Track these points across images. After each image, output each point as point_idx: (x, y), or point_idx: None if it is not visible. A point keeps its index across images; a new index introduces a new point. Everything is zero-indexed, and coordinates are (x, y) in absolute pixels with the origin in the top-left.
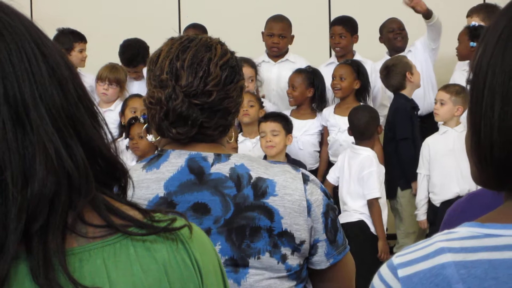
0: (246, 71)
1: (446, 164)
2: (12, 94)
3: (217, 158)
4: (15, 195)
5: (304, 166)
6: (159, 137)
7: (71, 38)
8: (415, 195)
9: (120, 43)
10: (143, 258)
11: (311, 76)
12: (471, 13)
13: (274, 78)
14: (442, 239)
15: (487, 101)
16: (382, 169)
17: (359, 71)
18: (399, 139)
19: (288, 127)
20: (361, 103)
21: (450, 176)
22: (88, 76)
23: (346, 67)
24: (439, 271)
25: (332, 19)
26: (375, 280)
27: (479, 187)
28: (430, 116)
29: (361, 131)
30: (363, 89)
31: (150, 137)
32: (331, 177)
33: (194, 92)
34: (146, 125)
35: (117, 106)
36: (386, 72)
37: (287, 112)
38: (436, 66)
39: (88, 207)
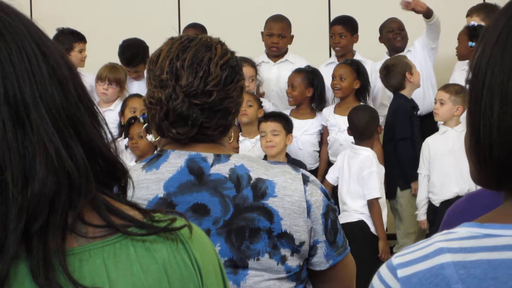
0: (247, 71)
1: (445, 164)
2: (13, 94)
3: (217, 159)
4: (15, 195)
5: (304, 166)
6: (159, 137)
7: (71, 38)
8: (414, 195)
9: (120, 43)
10: (143, 258)
11: (310, 75)
12: (471, 12)
13: (274, 79)
14: (442, 239)
15: (486, 101)
16: (382, 169)
17: (359, 70)
18: (398, 139)
19: (288, 127)
20: (361, 103)
21: (450, 176)
22: (88, 76)
23: (346, 67)
24: (439, 271)
25: (332, 19)
26: (375, 280)
27: (478, 187)
28: (430, 116)
29: (361, 131)
30: (363, 89)
31: (150, 137)
32: (330, 177)
33: (194, 92)
34: (146, 125)
35: (117, 106)
36: (386, 72)
37: (286, 112)
38: (436, 66)
39: (88, 207)
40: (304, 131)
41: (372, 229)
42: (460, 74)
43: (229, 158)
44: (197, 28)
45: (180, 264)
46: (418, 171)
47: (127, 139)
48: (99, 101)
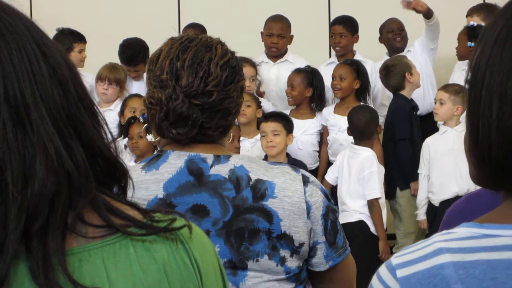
0: (247, 71)
1: (445, 164)
2: (13, 94)
3: (217, 160)
4: (15, 195)
5: (305, 166)
6: (158, 137)
7: (71, 38)
8: (414, 195)
9: (120, 43)
10: (143, 258)
11: (310, 75)
12: (471, 12)
13: (273, 79)
14: (441, 240)
15: (485, 101)
16: (382, 169)
17: (358, 70)
18: (398, 139)
19: (289, 127)
20: (361, 103)
21: (449, 176)
22: (88, 76)
23: (345, 67)
24: (438, 271)
25: (332, 19)
26: (374, 280)
27: (478, 187)
28: (430, 116)
29: (361, 131)
30: (363, 89)
31: (149, 137)
32: (329, 177)
33: (194, 92)
34: (146, 125)
35: (117, 106)
36: (386, 72)
37: (286, 112)
38: (436, 66)
39: (88, 207)
40: (304, 131)
41: (372, 229)
42: (460, 74)
43: (229, 158)
44: (197, 28)
45: (179, 264)
46: (418, 171)
47: (126, 139)
48: (99, 101)
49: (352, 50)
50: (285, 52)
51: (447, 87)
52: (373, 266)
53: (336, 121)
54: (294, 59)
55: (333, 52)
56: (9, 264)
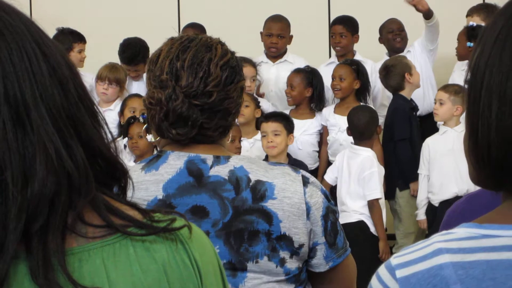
0: (248, 71)
1: (445, 164)
2: (13, 94)
3: (216, 160)
4: (15, 195)
5: (305, 167)
6: (158, 138)
7: (71, 38)
8: (413, 196)
9: (120, 43)
10: (143, 258)
11: (309, 75)
12: (471, 12)
13: (273, 79)
14: (440, 240)
15: (485, 101)
16: (382, 170)
17: (358, 71)
18: (397, 140)
19: (289, 127)
20: (361, 103)
21: (449, 176)
22: (87, 76)
23: (345, 67)
24: (437, 271)
25: (331, 19)
26: (373, 281)
27: (477, 188)
28: (429, 116)
29: (361, 131)
30: (363, 89)
31: (149, 137)
32: (329, 177)
33: (194, 92)
34: (146, 125)
35: (117, 105)
36: (385, 72)
37: (285, 112)
38: (436, 66)
39: (88, 207)
40: (304, 131)
41: (372, 229)
42: (459, 74)
43: (229, 159)
44: (196, 28)
45: (179, 264)
46: (418, 171)
47: (126, 139)
48: (99, 101)
49: (352, 50)
50: (285, 52)
51: (446, 87)
52: (373, 266)
53: (336, 121)
54: (294, 59)
55: (333, 52)
56: (9, 264)
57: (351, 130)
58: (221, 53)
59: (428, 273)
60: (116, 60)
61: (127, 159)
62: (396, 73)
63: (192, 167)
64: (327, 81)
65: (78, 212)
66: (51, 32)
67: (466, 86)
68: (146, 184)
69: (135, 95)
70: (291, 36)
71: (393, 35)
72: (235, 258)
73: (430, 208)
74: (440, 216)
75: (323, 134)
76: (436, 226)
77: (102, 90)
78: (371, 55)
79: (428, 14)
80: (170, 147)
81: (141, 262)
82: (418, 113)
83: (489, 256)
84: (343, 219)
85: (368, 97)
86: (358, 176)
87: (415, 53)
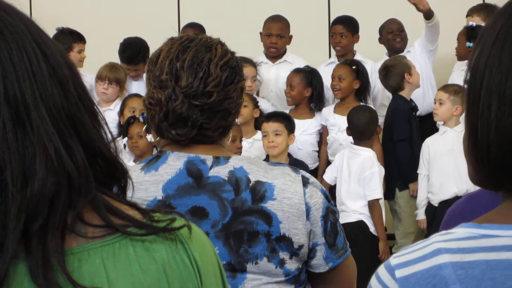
0: (249, 71)
1: (444, 164)
2: (13, 94)
3: (216, 161)
4: (15, 195)
5: (306, 167)
6: (158, 138)
7: (70, 38)
8: (412, 196)
9: (119, 43)
10: (142, 258)
11: (309, 75)
12: (471, 12)
13: (273, 79)
14: (440, 240)
15: (484, 101)
16: (382, 170)
17: (358, 70)
18: (396, 140)
19: (290, 127)
20: (361, 103)
21: (448, 176)
22: (87, 76)
23: (344, 67)
24: (436, 271)
25: (331, 19)
26: (373, 281)
27: (477, 187)
28: (429, 116)
29: (361, 131)
30: (363, 89)
31: (149, 137)
32: (328, 177)
33: (194, 93)
34: (146, 125)
35: (117, 105)
36: (385, 72)
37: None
38: (436, 66)
39: (87, 207)
40: (303, 131)
41: (372, 229)
42: (459, 74)
43: (228, 160)
44: (196, 28)
45: (179, 264)
46: (418, 171)
47: (126, 138)
48: (98, 101)
49: (353, 50)
50: (284, 52)
51: (446, 87)
52: (372, 266)
53: (336, 121)
54: (294, 59)
55: (333, 52)
56: (9, 263)
57: (351, 130)
58: (221, 53)
59: (428, 273)
60: (116, 60)
61: (127, 159)
62: (395, 73)
63: (192, 167)
64: (327, 81)
65: (78, 212)
66: (51, 32)
67: (465, 86)
68: (146, 185)
69: (134, 95)
70: (291, 36)
71: (393, 35)
72: (235, 259)
73: (430, 208)
74: (440, 216)
75: (322, 134)
76: (436, 226)
77: (102, 90)
78: (371, 55)
79: (428, 14)
80: (170, 147)
81: (140, 262)
82: (418, 113)
83: (489, 256)
84: (343, 219)
85: (368, 97)
86: (359, 176)
87: (415, 53)
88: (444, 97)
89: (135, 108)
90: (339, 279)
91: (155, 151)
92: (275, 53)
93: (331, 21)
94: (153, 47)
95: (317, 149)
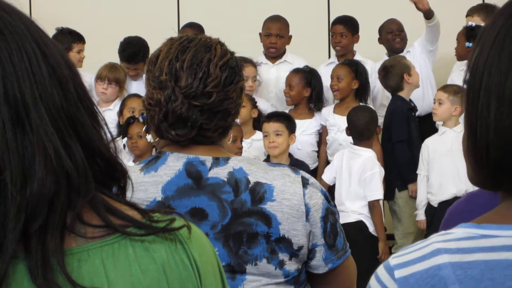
0: (250, 71)
1: (444, 165)
2: (12, 94)
3: (216, 162)
4: (14, 195)
5: (307, 167)
6: (157, 138)
7: (70, 38)
8: (411, 196)
9: (119, 42)
10: (142, 258)
11: (308, 75)
12: (471, 12)
13: (273, 79)
14: (439, 240)
15: (483, 101)
16: (382, 171)
17: (357, 70)
18: (395, 141)
19: (291, 127)
20: (361, 103)
21: (448, 177)
22: (87, 76)
23: (343, 67)
24: (436, 272)
25: (331, 19)
26: (372, 281)
27: (476, 188)
28: (429, 116)
29: (361, 132)
30: (362, 89)
31: (149, 137)
32: (326, 177)
33: (193, 93)
34: (146, 125)
35: (116, 105)
36: (384, 73)
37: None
38: (436, 67)
39: (87, 207)
40: (303, 131)
41: (371, 229)
42: (458, 74)
43: (228, 161)
44: (195, 28)
45: (178, 264)
46: (418, 171)
47: (125, 138)
48: (98, 101)
49: (352, 50)
50: (284, 52)
51: (446, 87)
52: (371, 266)
53: (335, 121)
54: (293, 60)
55: (333, 52)
56: (8, 263)
57: (350, 131)
58: (221, 53)
59: (427, 273)
60: (116, 60)
61: (126, 159)
62: (395, 73)
63: (191, 169)
64: (327, 81)
65: (77, 212)
66: (50, 32)
67: (465, 86)
68: (145, 186)
69: (134, 95)
70: (290, 36)
71: (392, 35)
72: (234, 261)
73: (429, 208)
74: (439, 217)
75: (322, 134)
76: (435, 226)
77: (101, 90)
78: (371, 55)
79: (428, 14)
80: (169, 148)
81: (140, 262)
82: (417, 113)
83: (488, 256)
84: (342, 219)
85: (368, 97)
86: (360, 177)
87: (415, 53)
88: (444, 97)
89: (134, 108)
90: (338, 280)
91: (154, 151)
92: (274, 53)
93: (330, 21)
94: (153, 47)
95: (316, 149)
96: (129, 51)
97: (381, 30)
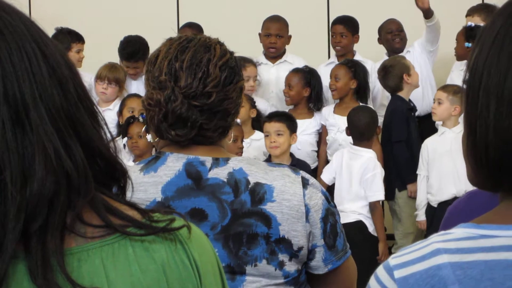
0: (251, 70)
1: (443, 165)
2: (12, 93)
3: (215, 163)
4: (14, 195)
5: (308, 167)
6: (157, 138)
7: (69, 38)
8: (410, 197)
9: (119, 42)
10: (142, 258)
11: (307, 75)
12: (471, 12)
13: (273, 79)
14: (438, 240)
15: (483, 101)
16: (383, 171)
17: (355, 70)
18: (394, 141)
19: (292, 127)
20: (361, 103)
21: (447, 177)
22: (86, 75)
23: (341, 67)
24: (435, 272)
25: (331, 19)
26: (372, 281)
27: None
28: (429, 116)
29: (361, 132)
30: (361, 89)
31: (149, 137)
32: (326, 177)
33: (193, 93)
34: (145, 125)
35: (116, 105)
36: (384, 73)
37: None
38: (436, 67)
39: (87, 207)
40: (302, 131)
41: (371, 229)
42: (458, 74)
43: (228, 161)
44: (194, 28)
45: (178, 264)
46: (418, 172)
47: (125, 138)
48: (98, 101)
49: (352, 50)
50: (284, 52)
51: (446, 87)
52: (371, 266)
53: (335, 121)
54: (293, 60)
55: (332, 52)
56: (8, 263)
57: (350, 131)
58: (220, 53)
59: (426, 274)
60: (116, 59)
61: (126, 159)
62: (394, 73)
63: (191, 169)
64: (327, 81)
65: (77, 212)
66: (50, 32)
67: (464, 86)
68: (145, 186)
69: (133, 95)
70: (290, 36)
71: (392, 35)
72: (234, 262)
73: (429, 209)
74: (439, 217)
75: (322, 134)
76: (435, 227)
77: (101, 89)
78: (371, 55)
79: (427, 13)
80: (169, 148)
81: (140, 262)
82: (417, 113)
83: (487, 257)
84: (341, 219)
85: (367, 97)
86: (361, 178)
87: (415, 53)
88: (443, 96)
89: (134, 108)
90: (338, 281)
91: (154, 151)
92: (274, 53)
93: (330, 21)
94: (153, 47)
95: (316, 149)
96: (129, 49)
97: (381, 30)
